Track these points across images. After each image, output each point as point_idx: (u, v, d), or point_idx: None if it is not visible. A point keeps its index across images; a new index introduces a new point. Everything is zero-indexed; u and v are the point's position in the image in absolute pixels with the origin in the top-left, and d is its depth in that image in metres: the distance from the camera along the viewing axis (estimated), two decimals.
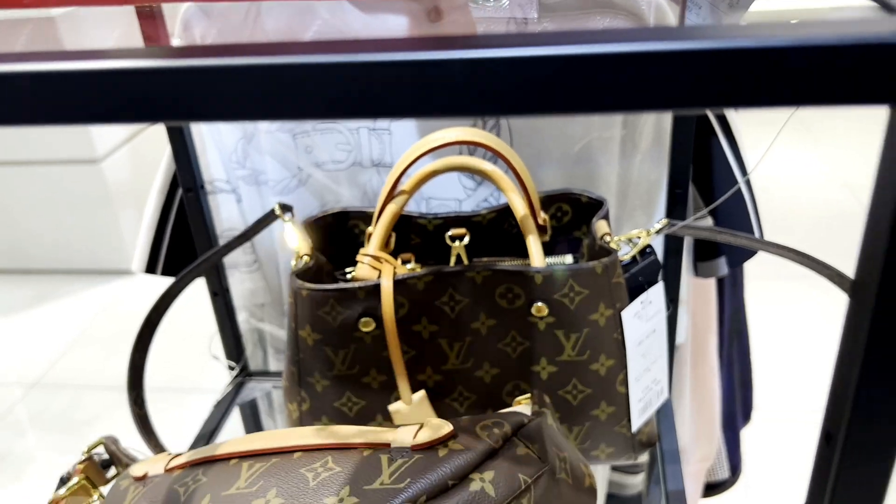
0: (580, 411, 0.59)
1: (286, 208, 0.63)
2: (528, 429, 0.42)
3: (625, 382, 0.59)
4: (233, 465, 0.44)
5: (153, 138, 2.51)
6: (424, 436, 0.40)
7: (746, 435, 1.64)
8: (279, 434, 0.44)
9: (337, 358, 0.58)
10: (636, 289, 0.60)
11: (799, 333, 1.98)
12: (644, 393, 0.62)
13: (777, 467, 1.57)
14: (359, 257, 0.57)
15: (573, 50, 0.18)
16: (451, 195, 0.73)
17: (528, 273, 0.55)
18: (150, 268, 0.75)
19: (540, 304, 0.56)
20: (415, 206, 0.73)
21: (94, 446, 0.55)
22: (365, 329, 0.56)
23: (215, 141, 0.71)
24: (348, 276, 0.62)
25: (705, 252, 0.74)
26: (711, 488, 1.08)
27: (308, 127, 0.70)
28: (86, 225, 2.36)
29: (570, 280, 0.55)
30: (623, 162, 0.70)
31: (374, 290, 0.55)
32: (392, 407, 0.57)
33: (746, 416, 1.17)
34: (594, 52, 0.18)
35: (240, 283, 0.76)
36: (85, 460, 0.54)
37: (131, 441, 0.59)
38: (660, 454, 0.65)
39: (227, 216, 0.74)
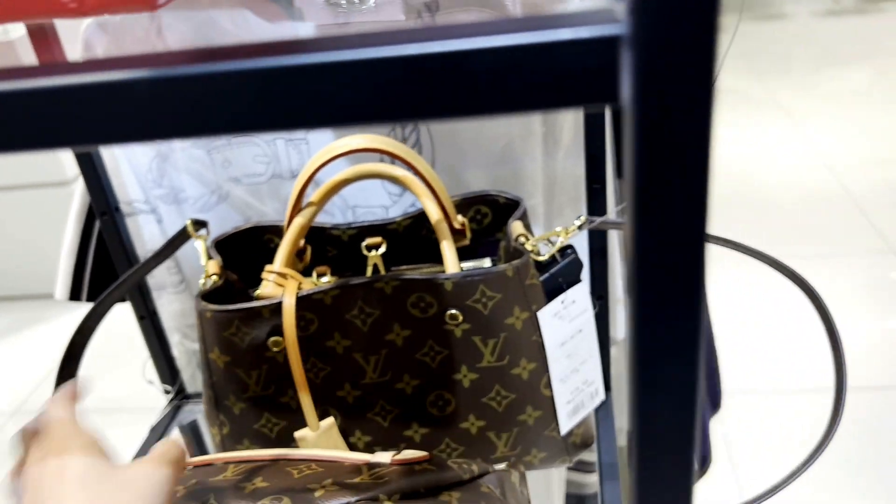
0: (507, 417, 0.58)
1: (200, 225, 0.61)
2: (492, 476, 0.47)
3: (550, 385, 0.58)
4: (218, 466, 0.46)
5: None
6: (402, 456, 0.45)
7: (736, 414, 1.63)
8: (254, 451, 0.49)
9: (250, 379, 0.56)
10: (556, 290, 0.59)
11: (774, 310, 1.96)
12: (573, 395, 0.60)
13: (763, 443, 1.56)
14: (264, 275, 0.56)
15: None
16: (376, 202, 0.71)
17: (437, 281, 0.54)
18: (75, 295, 0.74)
19: (453, 311, 0.54)
20: (340, 216, 0.71)
21: None
22: (276, 348, 0.55)
23: (129, 160, 0.69)
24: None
25: None
26: None
27: (222, 141, 0.69)
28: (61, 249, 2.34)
29: (481, 285, 0.54)
30: (547, 159, 0.68)
31: (280, 307, 0.53)
32: (298, 434, 0.55)
33: (715, 405, 1.15)
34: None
35: (169, 305, 0.75)
36: None
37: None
38: (599, 468, 0.63)
39: (150, 237, 0.72)
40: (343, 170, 0.60)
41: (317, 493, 0.39)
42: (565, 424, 0.59)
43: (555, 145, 0.68)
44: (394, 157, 0.56)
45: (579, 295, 0.59)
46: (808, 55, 3.55)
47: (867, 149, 2.77)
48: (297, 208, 0.57)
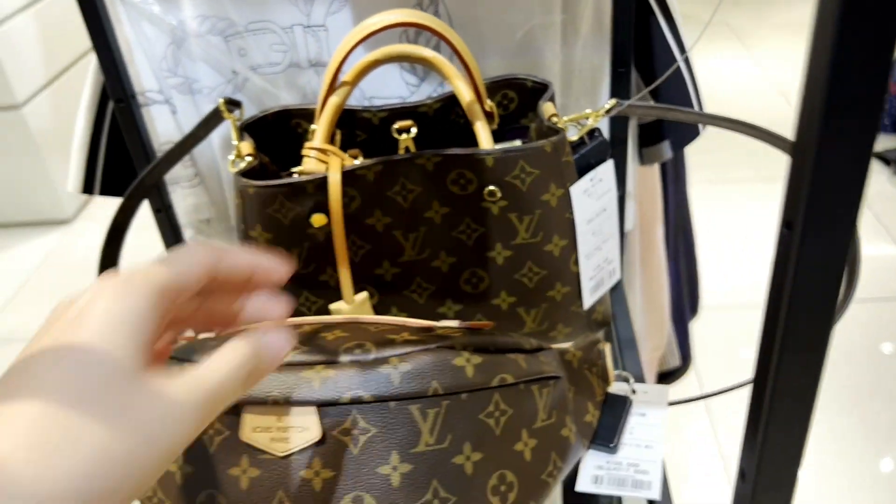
0: (537, 293, 0.60)
1: (234, 104, 0.60)
2: (549, 352, 0.50)
3: (577, 262, 0.60)
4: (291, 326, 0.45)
5: (76, 79, 2.38)
6: (469, 323, 0.46)
7: (696, 327, 1.70)
8: (324, 317, 0.48)
9: (291, 257, 0.57)
10: (585, 169, 0.61)
11: (743, 233, 2.05)
12: (596, 271, 0.63)
13: (726, 355, 1.65)
14: (304, 151, 0.56)
15: None
16: (394, 93, 0.71)
17: (478, 156, 0.55)
18: (87, 187, 0.72)
19: (492, 187, 0.56)
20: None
21: None
22: (317, 225, 0.56)
23: (143, 48, 0.67)
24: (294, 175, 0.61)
25: (649, 137, 0.75)
26: (665, 377, 1.12)
27: (240, 27, 0.67)
28: (13, 175, 2.25)
29: (520, 161, 0.55)
30: (565, 49, 0.69)
31: (324, 183, 0.54)
32: (333, 306, 0.57)
33: (694, 310, 1.22)
34: None
35: (182, 199, 0.74)
36: None
37: None
38: (616, 342, 0.67)
39: (164, 129, 0.71)
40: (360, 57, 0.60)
41: (398, 340, 0.41)
42: (588, 300, 0.62)
43: (574, 35, 0.69)
44: (430, 32, 0.56)
45: (606, 173, 0.61)
46: None
47: None
48: (332, 88, 0.57)
